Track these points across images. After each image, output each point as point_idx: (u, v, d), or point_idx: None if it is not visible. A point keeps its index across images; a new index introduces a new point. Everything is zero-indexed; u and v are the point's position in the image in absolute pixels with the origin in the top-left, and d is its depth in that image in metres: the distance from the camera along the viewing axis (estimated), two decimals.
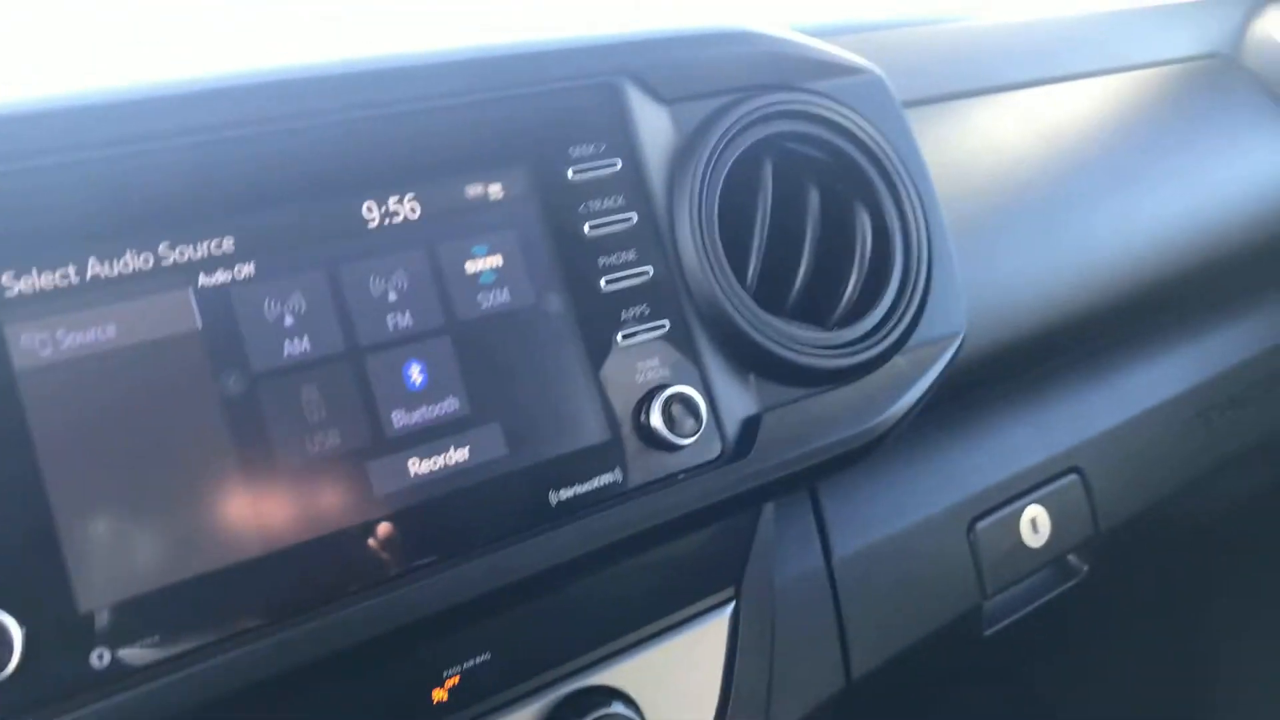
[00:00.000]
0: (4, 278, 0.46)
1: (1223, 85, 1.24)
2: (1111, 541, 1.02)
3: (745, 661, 0.73)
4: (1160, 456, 1.06)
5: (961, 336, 0.72)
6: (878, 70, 0.74)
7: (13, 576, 0.44)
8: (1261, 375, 1.15)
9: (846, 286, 0.69)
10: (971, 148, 0.91)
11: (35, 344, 0.47)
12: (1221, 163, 1.13)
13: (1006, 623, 0.96)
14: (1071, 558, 1.03)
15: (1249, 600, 1.31)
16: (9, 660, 0.43)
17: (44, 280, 0.47)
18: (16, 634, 0.44)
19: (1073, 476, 0.97)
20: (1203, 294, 1.11)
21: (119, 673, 0.46)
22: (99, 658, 0.46)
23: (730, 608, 0.73)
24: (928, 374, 0.70)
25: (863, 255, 0.70)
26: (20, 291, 0.47)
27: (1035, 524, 0.94)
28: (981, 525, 0.91)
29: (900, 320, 0.69)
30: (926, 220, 0.72)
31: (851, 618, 0.83)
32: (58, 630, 0.45)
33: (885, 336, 0.68)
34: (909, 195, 0.71)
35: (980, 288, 0.87)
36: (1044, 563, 0.96)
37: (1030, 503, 0.94)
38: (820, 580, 0.82)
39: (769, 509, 0.76)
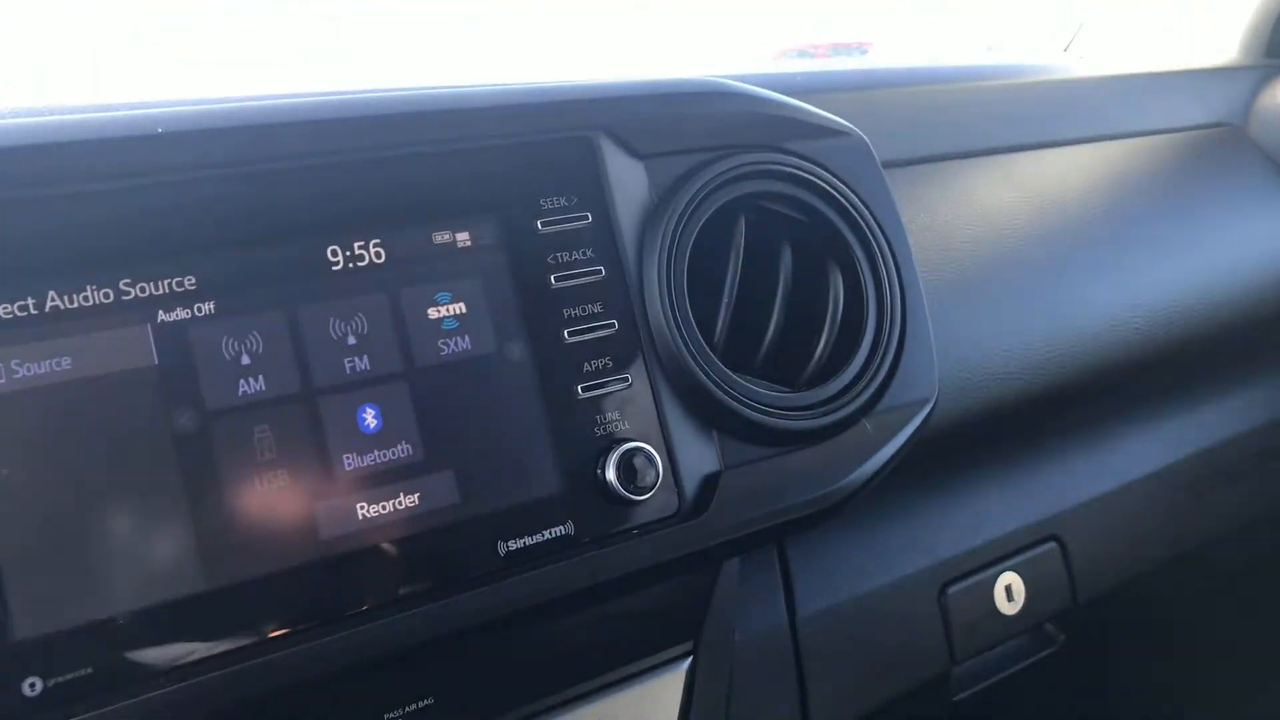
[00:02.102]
0: None
1: (1228, 156, 1.23)
2: (1091, 613, 1.01)
3: (700, 716, 0.72)
4: (1145, 529, 1.04)
5: (932, 403, 0.72)
6: (858, 132, 0.74)
7: None
8: (1255, 450, 1.14)
9: (816, 347, 0.69)
10: (959, 210, 0.92)
11: None
12: (1222, 234, 1.13)
13: (976, 689, 0.95)
14: (1048, 627, 1.02)
15: (1231, 681, 1.29)
16: None
17: (1, 311, 0.48)
18: None
19: (1051, 545, 0.96)
20: (1196, 365, 1.10)
21: (50, 703, 0.46)
22: (30, 687, 0.46)
23: (687, 662, 0.73)
24: (895, 439, 0.70)
25: (834, 317, 0.70)
26: None
27: (1010, 591, 0.93)
28: (953, 590, 0.90)
29: (870, 383, 0.69)
30: (902, 285, 0.72)
31: (813, 677, 0.82)
32: None
33: (853, 399, 0.68)
34: (884, 259, 0.71)
35: (961, 352, 0.87)
36: (1017, 631, 0.95)
37: (1005, 569, 0.93)
38: (783, 637, 0.81)
39: (733, 562, 0.75)
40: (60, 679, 0.47)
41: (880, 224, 0.72)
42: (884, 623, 0.86)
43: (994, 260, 0.91)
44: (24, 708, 0.46)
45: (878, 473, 0.69)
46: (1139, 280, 1.01)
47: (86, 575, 0.48)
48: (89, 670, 0.47)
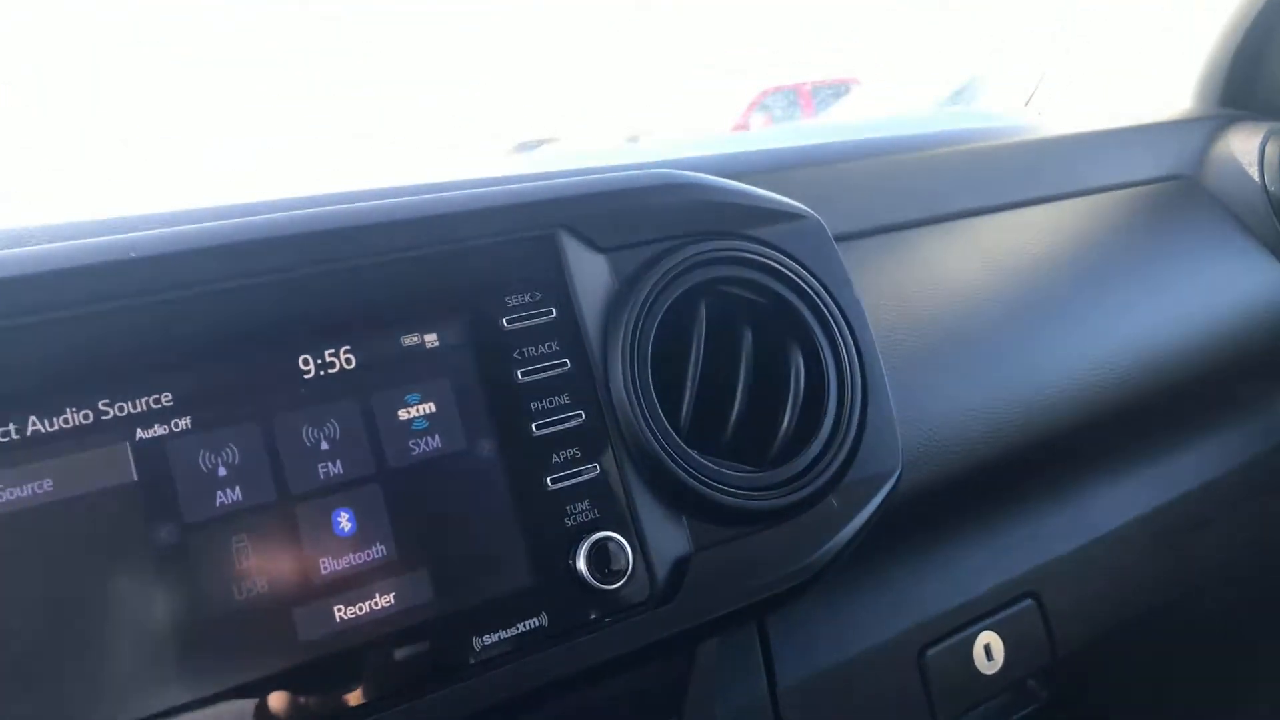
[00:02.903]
0: None
1: (1185, 207, 1.27)
2: (1072, 667, 1.02)
3: None
4: (1122, 581, 1.06)
5: (896, 475, 0.73)
6: (814, 215, 0.77)
7: None
8: (1225, 497, 1.16)
9: (780, 426, 0.71)
10: (918, 277, 0.94)
11: None
12: (1181, 285, 1.15)
13: None
14: (1030, 683, 1.03)
15: None
16: None
17: None
18: None
19: (1028, 602, 0.97)
20: (1163, 416, 1.12)
21: None
22: None
23: None
24: (861, 513, 0.71)
25: (796, 395, 0.72)
26: None
27: (989, 650, 0.94)
28: (932, 652, 0.91)
29: (834, 459, 0.71)
30: (862, 361, 0.74)
31: None
32: None
33: (818, 476, 0.70)
34: (843, 337, 0.74)
35: (927, 419, 0.89)
36: (998, 690, 0.96)
37: (983, 629, 0.94)
38: (764, 711, 0.82)
39: (711, 639, 0.77)
40: None
41: (838, 303, 0.74)
42: (865, 689, 0.87)
43: (956, 326, 0.94)
44: None
45: (845, 547, 0.70)
46: (1101, 337, 1.04)
47: (72, 693, 0.49)
48: None
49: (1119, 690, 1.16)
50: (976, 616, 0.94)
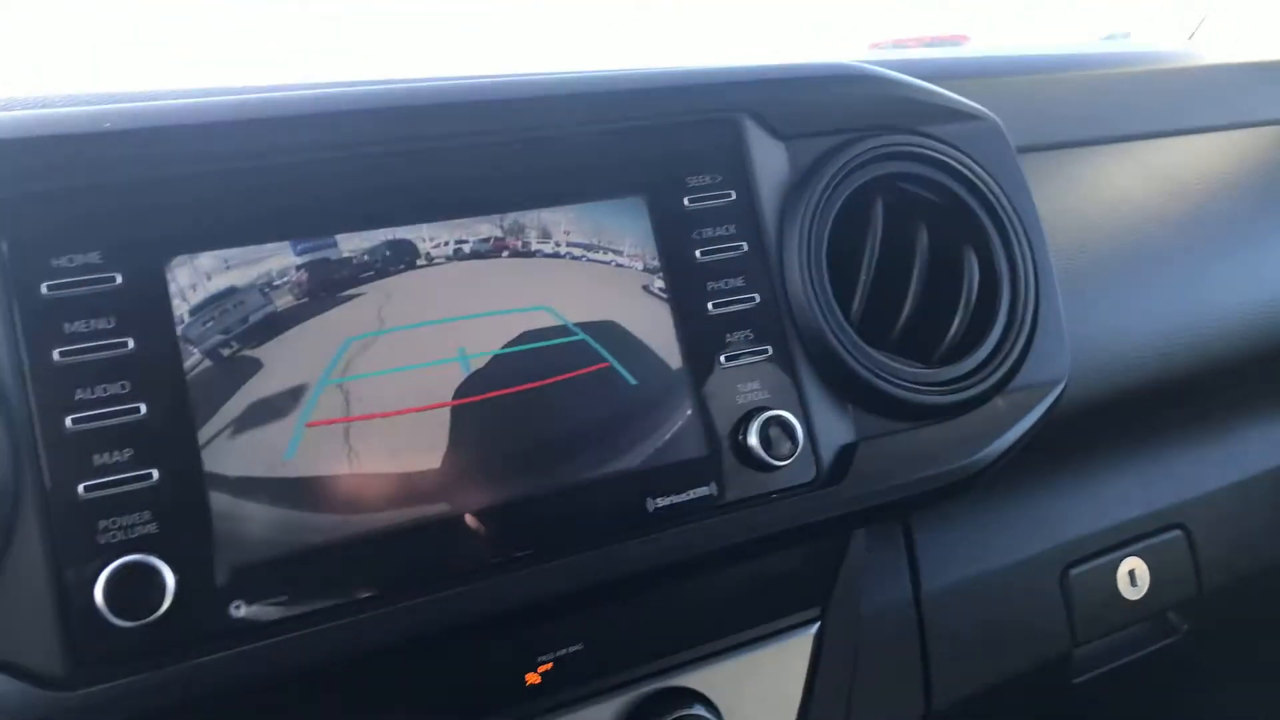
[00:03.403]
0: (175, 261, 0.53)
1: None
2: (1215, 603, 1.00)
3: (826, 681, 0.75)
4: (1272, 523, 1.03)
5: (1064, 383, 0.73)
6: (994, 117, 0.76)
7: (172, 533, 0.50)
8: None
9: (950, 326, 0.71)
10: (1087, 197, 0.92)
11: (197, 335, 0.53)
12: None
13: (1096, 673, 0.95)
14: (1171, 615, 1.01)
15: None
16: (161, 603, 0.49)
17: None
18: (170, 581, 0.49)
19: (1176, 533, 0.96)
20: None
21: (253, 624, 0.51)
22: (236, 608, 0.51)
23: (815, 627, 0.75)
24: (1027, 418, 0.71)
25: (969, 296, 0.71)
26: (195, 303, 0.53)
27: (1134, 576, 0.93)
28: (1075, 572, 0.90)
29: (1003, 362, 0.70)
30: (1035, 267, 0.73)
31: (936, 651, 0.84)
32: (203, 581, 0.51)
33: (986, 377, 0.70)
34: (1019, 241, 0.73)
35: (1092, 336, 0.87)
36: (1140, 617, 0.95)
37: (1129, 554, 0.93)
38: (907, 611, 0.83)
39: (860, 536, 0.78)
40: (260, 604, 0.52)
41: (1014, 206, 0.73)
42: (1006, 602, 0.87)
43: (1126, 248, 0.91)
44: (230, 627, 0.51)
45: (1009, 449, 0.70)
46: (1267, 269, 1.00)
47: (283, 513, 0.53)
48: (285, 598, 0.52)
49: (1263, 629, 1.13)
50: (1122, 541, 0.93)
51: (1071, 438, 0.91)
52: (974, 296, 0.71)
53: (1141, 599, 0.93)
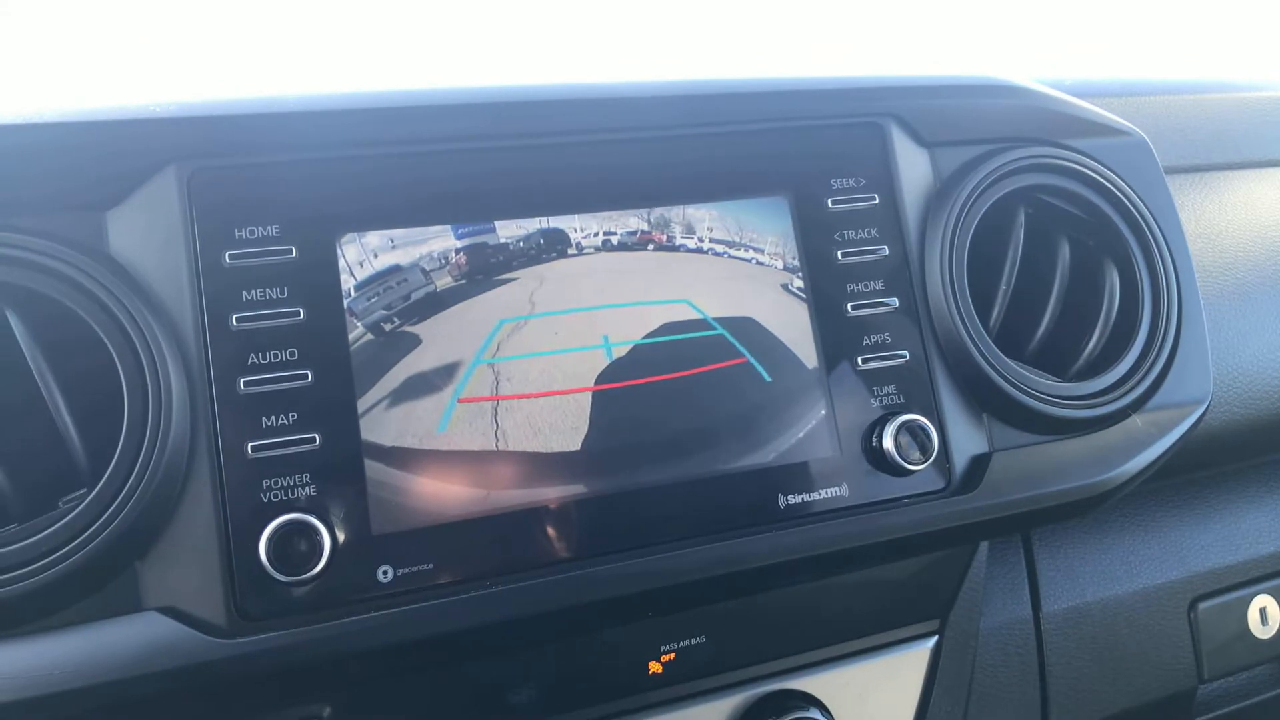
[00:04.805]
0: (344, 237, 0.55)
1: None
2: None
3: (942, 694, 0.74)
4: None
5: (1206, 404, 0.71)
6: (1140, 133, 0.75)
7: (330, 496, 0.53)
8: None
9: (1089, 340, 0.70)
10: (1231, 221, 0.89)
11: (362, 309, 0.55)
12: None
13: (1221, 713, 0.91)
14: None
15: None
16: (319, 560, 0.51)
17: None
18: (326, 541, 0.51)
19: None
20: None
21: (399, 588, 0.53)
22: (383, 573, 0.53)
23: (933, 640, 0.74)
24: (1166, 437, 0.69)
25: (1109, 311, 0.70)
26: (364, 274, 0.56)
27: (1265, 614, 0.90)
28: (1204, 606, 0.87)
29: (1142, 379, 0.69)
30: (1179, 285, 0.72)
31: (1055, 674, 0.82)
32: (355, 544, 0.53)
33: (1125, 394, 0.69)
34: (1162, 258, 0.71)
35: (1226, 364, 0.85)
36: (1270, 656, 0.91)
37: (1261, 591, 0.90)
38: (1026, 631, 0.81)
39: (983, 551, 0.77)
40: (407, 569, 0.54)
41: (1159, 223, 0.72)
42: (1130, 630, 0.85)
43: (1271, 275, 0.88)
44: (378, 590, 0.53)
45: (1146, 469, 0.69)
46: None
47: (431, 486, 0.55)
48: (430, 565, 0.54)
49: None
50: (1254, 578, 0.90)
51: (1203, 466, 0.88)
52: (1114, 312, 0.70)
53: (1272, 638, 0.90)
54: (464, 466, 0.56)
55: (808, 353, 0.63)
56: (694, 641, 0.66)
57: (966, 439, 0.65)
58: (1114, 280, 0.71)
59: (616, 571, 0.57)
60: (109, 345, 0.51)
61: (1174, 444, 0.70)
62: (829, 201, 0.65)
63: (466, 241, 0.58)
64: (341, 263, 0.55)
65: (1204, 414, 0.71)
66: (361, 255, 0.56)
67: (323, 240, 0.55)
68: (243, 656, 0.50)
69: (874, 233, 0.66)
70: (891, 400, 0.64)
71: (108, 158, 0.53)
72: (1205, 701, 0.90)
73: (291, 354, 0.54)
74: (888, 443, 0.62)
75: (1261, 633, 0.89)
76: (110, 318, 0.51)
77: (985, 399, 0.66)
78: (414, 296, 0.56)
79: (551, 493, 0.57)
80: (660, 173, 0.62)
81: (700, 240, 0.63)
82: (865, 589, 0.71)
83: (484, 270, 0.58)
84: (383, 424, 0.55)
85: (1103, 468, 0.68)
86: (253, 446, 0.52)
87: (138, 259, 0.53)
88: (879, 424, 0.63)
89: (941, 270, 0.66)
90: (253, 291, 0.53)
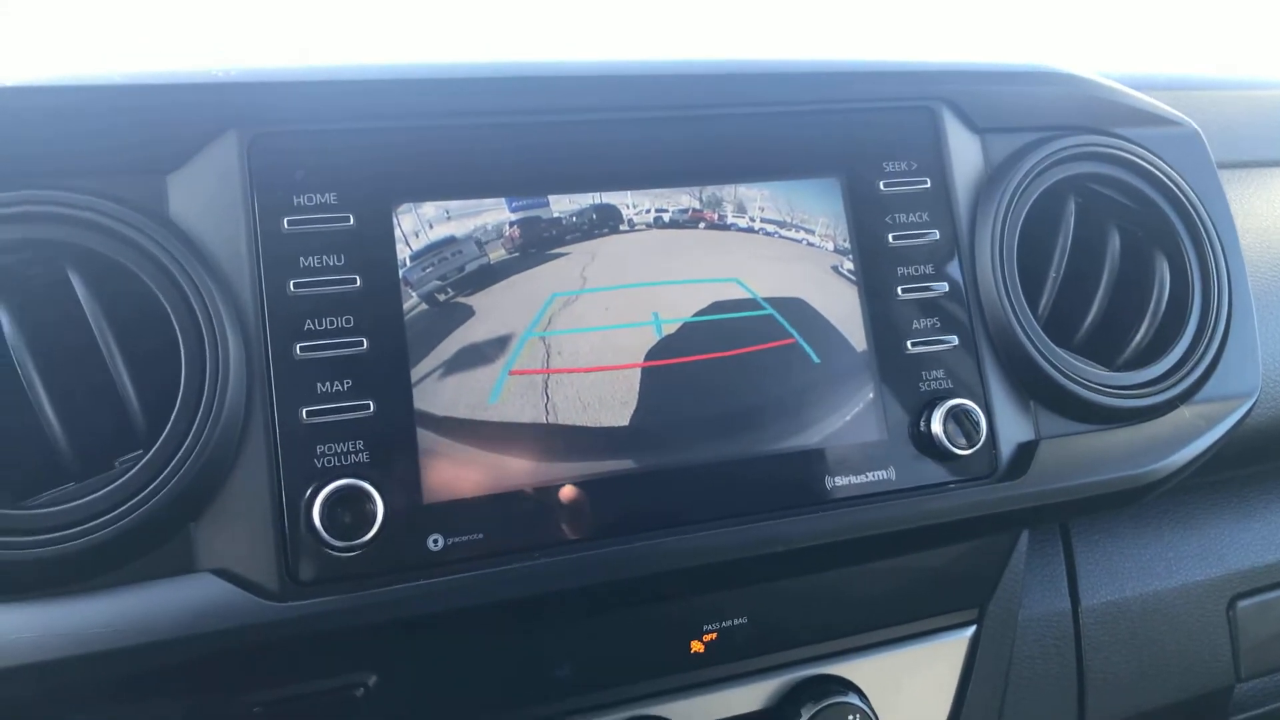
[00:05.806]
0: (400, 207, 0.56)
1: None
2: None
3: (979, 684, 0.74)
4: None
5: (1254, 398, 0.70)
6: (1191, 123, 0.74)
7: (383, 463, 0.53)
8: None
9: (1138, 330, 0.69)
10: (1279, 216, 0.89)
11: (417, 279, 0.55)
12: None
13: (1259, 712, 0.91)
14: None
15: None
16: (371, 527, 0.51)
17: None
18: (380, 508, 0.52)
19: None
20: None
21: (449, 557, 0.53)
22: (434, 542, 0.53)
23: (971, 630, 0.74)
24: (1214, 430, 0.69)
25: (1159, 302, 0.70)
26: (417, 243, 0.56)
27: None
28: (1244, 604, 0.87)
29: (1191, 371, 0.69)
30: (1230, 276, 0.71)
31: (1093, 667, 0.81)
32: (407, 511, 0.53)
33: (1174, 385, 0.68)
34: (1213, 250, 0.71)
35: (1272, 361, 0.84)
36: None
37: None
38: (1064, 624, 0.81)
39: (1023, 542, 0.76)
40: (457, 539, 0.54)
41: (1210, 214, 0.72)
42: (1168, 627, 0.84)
43: None
44: (429, 558, 0.53)
45: (1193, 460, 0.68)
46: None
47: (481, 457, 0.55)
48: (480, 535, 0.54)
49: None
50: None
51: (1246, 462, 0.88)
52: (1164, 302, 0.70)
53: None
54: (514, 438, 0.56)
55: (857, 335, 0.63)
56: (736, 622, 0.65)
57: (1013, 426, 0.65)
58: (1164, 270, 0.70)
59: (662, 548, 0.57)
60: (167, 308, 0.51)
61: (1222, 436, 0.69)
62: (880, 184, 0.65)
63: (520, 215, 0.58)
64: (397, 232, 0.55)
65: (1253, 407, 0.71)
66: (417, 225, 0.56)
67: (379, 209, 0.55)
68: (294, 620, 0.51)
69: (925, 216, 0.66)
70: (940, 385, 0.64)
71: (169, 121, 0.53)
72: (1242, 700, 0.90)
73: (347, 321, 0.54)
74: (935, 427, 0.62)
75: None
76: (170, 281, 0.51)
77: (1033, 386, 0.65)
78: (468, 268, 0.57)
79: (600, 467, 0.57)
80: (713, 151, 0.62)
81: (751, 220, 0.63)
82: (906, 575, 0.70)
83: (537, 244, 0.58)
84: (435, 393, 0.55)
85: (1150, 458, 0.67)
86: (308, 412, 0.52)
87: (197, 223, 0.53)
88: (927, 408, 0.63)
89: (992, 256, 0.65)
90: (310, 258, 0.54)
